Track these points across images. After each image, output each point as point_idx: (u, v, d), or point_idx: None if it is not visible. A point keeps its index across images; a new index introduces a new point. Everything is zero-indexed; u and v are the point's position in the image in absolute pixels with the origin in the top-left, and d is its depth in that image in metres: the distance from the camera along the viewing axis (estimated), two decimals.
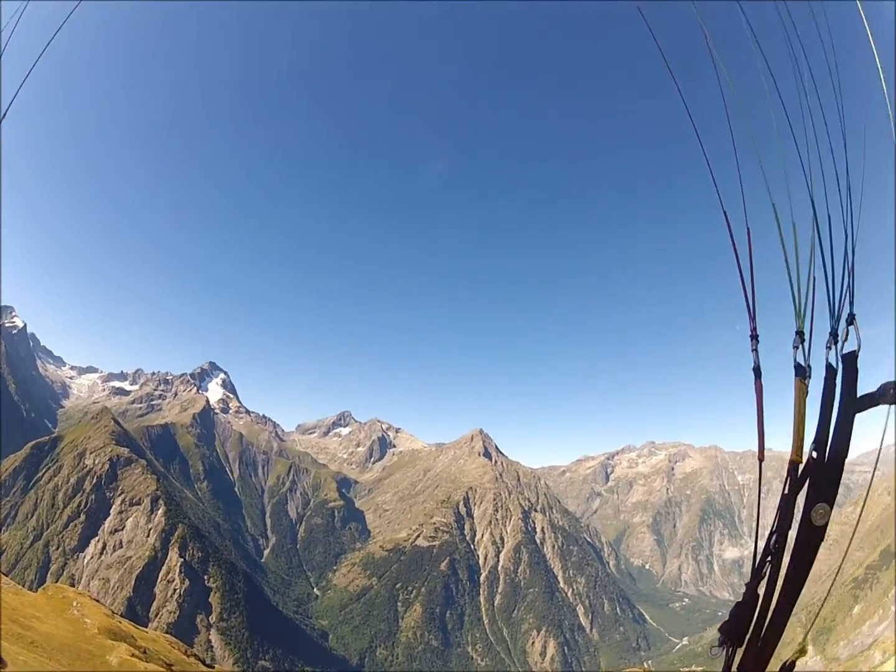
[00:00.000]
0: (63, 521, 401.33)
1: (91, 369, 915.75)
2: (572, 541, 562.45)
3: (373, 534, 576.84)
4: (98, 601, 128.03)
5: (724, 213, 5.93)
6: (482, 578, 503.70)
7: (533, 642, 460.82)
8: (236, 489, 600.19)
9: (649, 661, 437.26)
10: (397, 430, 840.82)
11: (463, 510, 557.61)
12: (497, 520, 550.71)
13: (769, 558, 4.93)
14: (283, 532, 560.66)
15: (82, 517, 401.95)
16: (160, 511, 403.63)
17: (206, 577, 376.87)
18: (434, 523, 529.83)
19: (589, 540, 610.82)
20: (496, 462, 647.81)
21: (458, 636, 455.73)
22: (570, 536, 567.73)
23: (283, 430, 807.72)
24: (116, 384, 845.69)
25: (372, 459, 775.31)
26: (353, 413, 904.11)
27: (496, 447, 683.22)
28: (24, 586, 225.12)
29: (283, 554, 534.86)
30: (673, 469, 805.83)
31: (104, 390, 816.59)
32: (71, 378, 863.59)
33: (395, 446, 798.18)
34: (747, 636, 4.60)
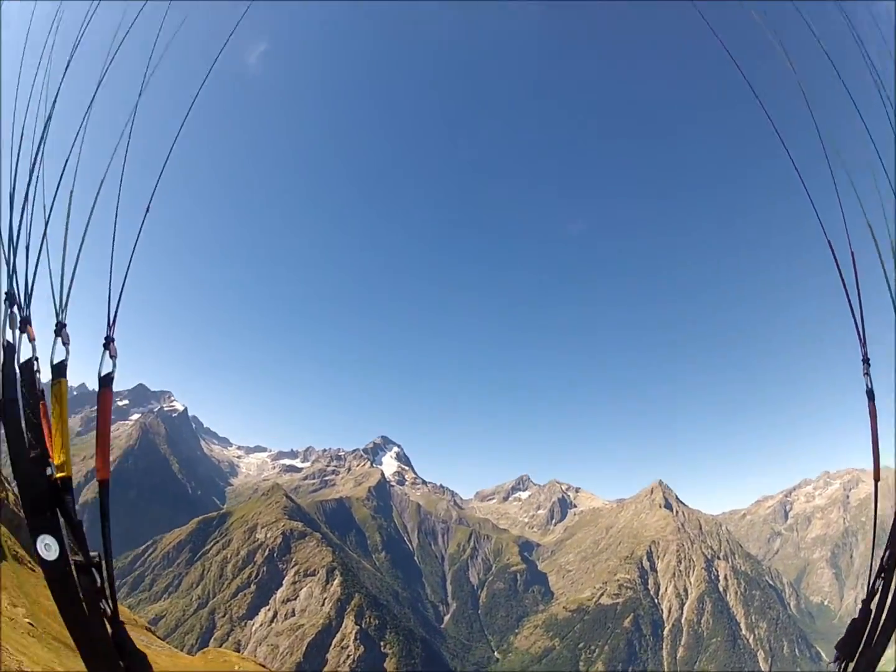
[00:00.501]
0: (231, 590, 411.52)
1: (259, 448, 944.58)
2: (755, 585, 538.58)
3: (556, 595, 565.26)
4: (263, 666, 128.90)
5: (829, 241, 5.74)
6: (665, 632, 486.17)
7: None
8: (416, 558, 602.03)
9: None
10: (577, 490, 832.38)
11: (646, 565, 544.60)
12: (680, 571, 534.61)
13: (882, 574, 5.02)
14: (464, 598, 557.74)
15: (252, 587, 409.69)
16: (336, 581, 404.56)
17: (382, 643, 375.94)
18: (618, 580, 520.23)
19: (770, 582, 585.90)
20: (677, 513, 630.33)
21: None
22: (752, 581, 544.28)
23: (461, 498, 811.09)
24: (287, 462, 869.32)
25: (553, 521, 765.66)
26: (532, 476, 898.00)
27: (676, 497, 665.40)
28: (182, 650, 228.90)
29: (464, 619, 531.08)
30: (848, 497, 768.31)
31: (274, 468, 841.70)
32: (238, 457, 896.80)
33: (575, 506, 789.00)
34: (858, 651, 4.45)
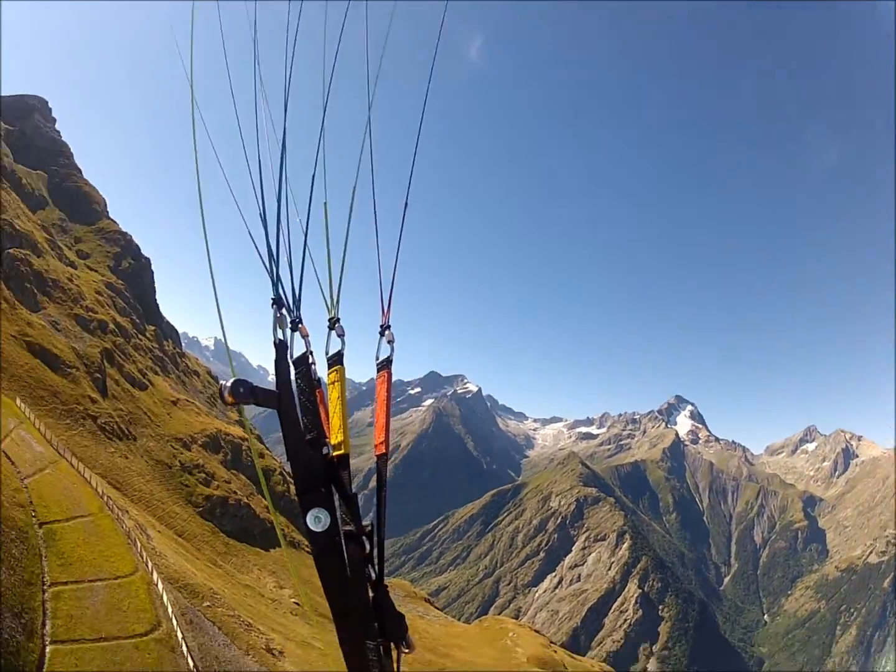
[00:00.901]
0: (520, 559, 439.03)
1: (555, 419, 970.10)
2: None
3: (830, 553, 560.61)
4: (538, 632, 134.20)
5: None
6: None
7: None
8: (704, 518, 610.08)
9: None
10: (860, 439, 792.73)
11: None
12: None
13: None
14: (745, 558, 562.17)
15: (541, 555, 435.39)
16: (625, 545, 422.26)
17: (660, 606, 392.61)
18: (887, 536, 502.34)
19: None
20: None
21: (875, 661, 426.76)
22: None
23: (752, 454, 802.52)
24: (583, 430, 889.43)
25: (836, 474, 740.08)
26: (819, 426, 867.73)
27: None
28: (460, 619, 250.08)
29: (743, 581, 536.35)
30: None
31: (570, 437, 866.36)
32: (534, 430, 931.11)
33: (857, 456, 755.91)
34: None
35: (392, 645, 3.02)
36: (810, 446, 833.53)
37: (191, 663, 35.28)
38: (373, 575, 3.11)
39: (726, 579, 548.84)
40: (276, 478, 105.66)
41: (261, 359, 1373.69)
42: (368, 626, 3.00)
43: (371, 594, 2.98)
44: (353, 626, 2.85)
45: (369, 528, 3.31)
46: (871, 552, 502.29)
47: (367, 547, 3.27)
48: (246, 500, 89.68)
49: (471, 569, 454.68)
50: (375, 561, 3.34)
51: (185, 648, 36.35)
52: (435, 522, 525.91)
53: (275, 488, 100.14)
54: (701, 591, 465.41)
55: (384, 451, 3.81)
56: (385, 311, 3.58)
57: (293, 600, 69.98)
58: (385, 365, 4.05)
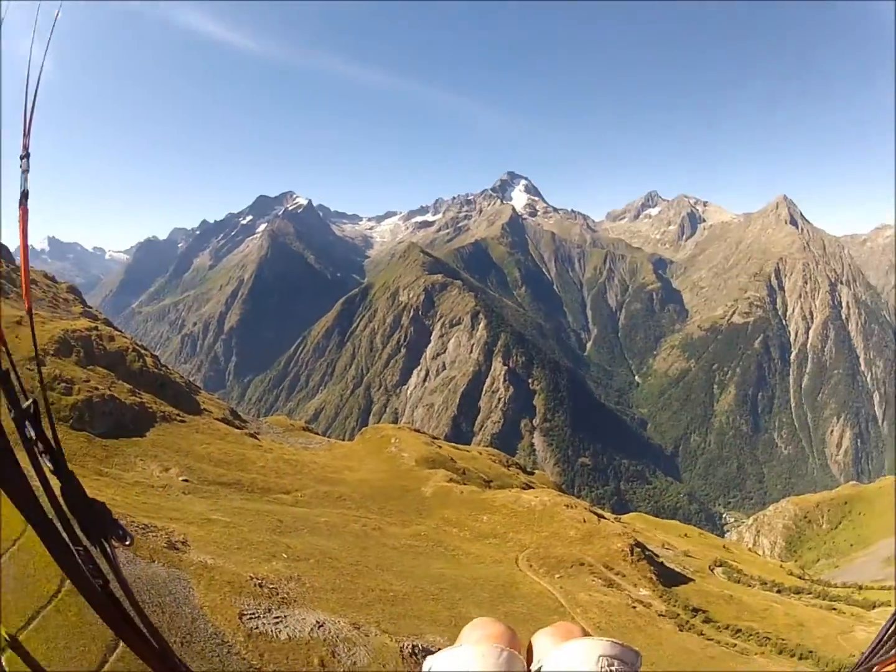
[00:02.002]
0: (383, 360, 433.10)
1: (389, 214, 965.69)
2: (873, 318, 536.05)
3: (690, 313, 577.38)
4: (418, 431, 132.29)
5: None
6: (792, 357, 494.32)
7: (832, 430, 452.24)
8: (555, 288, 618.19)
9: None
10: (705, 204, 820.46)
11: (774, 283, 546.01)
12: (806, 293, 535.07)
13: None
14: (603, 322, 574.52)
15: (402, 352, 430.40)
16: (481, 325, 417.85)
17: (530, 380, 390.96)
18: (748, 298, 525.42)
19: (888, 319, 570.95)
20: (802, 230, 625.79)
21: (767, 421, 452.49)
22: (871, 313, 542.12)
23: (593, 221, 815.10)
24: (419, 219, 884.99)
25: (684, 237, 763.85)
26: (660, 192, 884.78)
27: (801, 214, 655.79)
28: (344, 437, 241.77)
29: (605, 344, 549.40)
30: None
31: (407, 229, 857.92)
32: (371, 229, 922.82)
33: (704, 220, 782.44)
34: None
35: (105, 543, 2.77)
36: (653, 211, 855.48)
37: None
38: (49, 465, 2.56)
39: (588, 345, 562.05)
40: (130, 356, 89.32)
41: (97, 240, 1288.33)
42: (67, 531, 2.67)
43: (59, 489, 2.50)
44: (50, 537, 2.50)
45: (30, 406, 2.67)
46: (733, 313, 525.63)
47: (33, 433, 2.63)
48: (109, 392, 75.17)
49: (340, 383, 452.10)
50: (52, 446, 2.73)
51: None
52: (294, 346, 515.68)
53: (132, 366, 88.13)
54: (566, 360, 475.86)
55: (29, 305, 2.77)
56: (26, 132, 3.07)
57: (181, 479, 60.49)
58: (23, 200, 3.06)
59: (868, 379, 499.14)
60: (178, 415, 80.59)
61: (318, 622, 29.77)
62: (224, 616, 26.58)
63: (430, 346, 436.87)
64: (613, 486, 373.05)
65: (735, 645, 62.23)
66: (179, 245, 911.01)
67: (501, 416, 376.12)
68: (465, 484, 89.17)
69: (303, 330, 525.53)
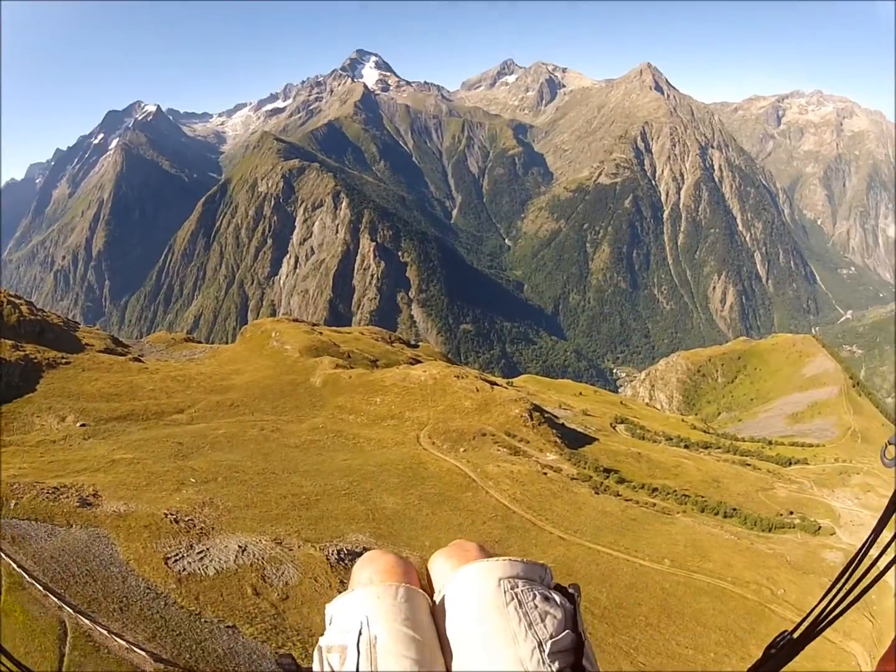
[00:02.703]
0: (251, 254, 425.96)
1: (240, 106, 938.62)
2: (749, 182, 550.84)
3: (555, 176, 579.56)
4: (297, 320, 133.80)
5: None
6: (665, 216, 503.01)
7: (714, 287, 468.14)
8: (414, 159, 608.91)
9: (817, 328, 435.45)
10: (564, 70, 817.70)
11: (641, 145, 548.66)
12: (675, 155, 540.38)
13: None
14: (467, 189, 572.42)
15: (269, 242, 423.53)
16: (343, 204, 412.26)
17: (400, 253, 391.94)
18: (614, 160, 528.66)
19: (764, 183, 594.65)
20: (668, 96, 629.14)
21: (645, 277, 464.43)
22: (746, 177, 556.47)
23: (448, 91, 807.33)
24: (269, 107, 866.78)
25: (543, 102, 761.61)
26: (516, 60, 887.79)
27: (667, 81, 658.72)
28: (227, 339, 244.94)
29: (471, 211, 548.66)
30: (842, 125, 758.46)
31: (258, 118, 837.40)
32: (222, 124, 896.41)
33: (563, 86, 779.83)
34: None
35: None
36: (510, 79, 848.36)
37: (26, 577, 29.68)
38: None
39: (454, 212, 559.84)
40: (6, 309, 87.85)
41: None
42: None
43: None
44: None
45: None
46: (600, 174, 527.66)
47: None
48: None
49: (213, 285, 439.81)
50: None
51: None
52: (163, 257, 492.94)
53: (9, 320, 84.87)
54: (434, 230, 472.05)
55: None
56: None
57: (79, 424, 62.15)
58: None
59: (747, 239, 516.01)
60: (62, 358, 79.62)
61: (240, 547, 34.03)
62: (151, 565, 31.09)
63: (295, 232, 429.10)
64: (499, 350, 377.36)
65: (654, 504, 63.47)
66: (37, 181, 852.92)
67: (377, 292, 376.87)
68: (352, 368, 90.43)
69: (169, 239, 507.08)
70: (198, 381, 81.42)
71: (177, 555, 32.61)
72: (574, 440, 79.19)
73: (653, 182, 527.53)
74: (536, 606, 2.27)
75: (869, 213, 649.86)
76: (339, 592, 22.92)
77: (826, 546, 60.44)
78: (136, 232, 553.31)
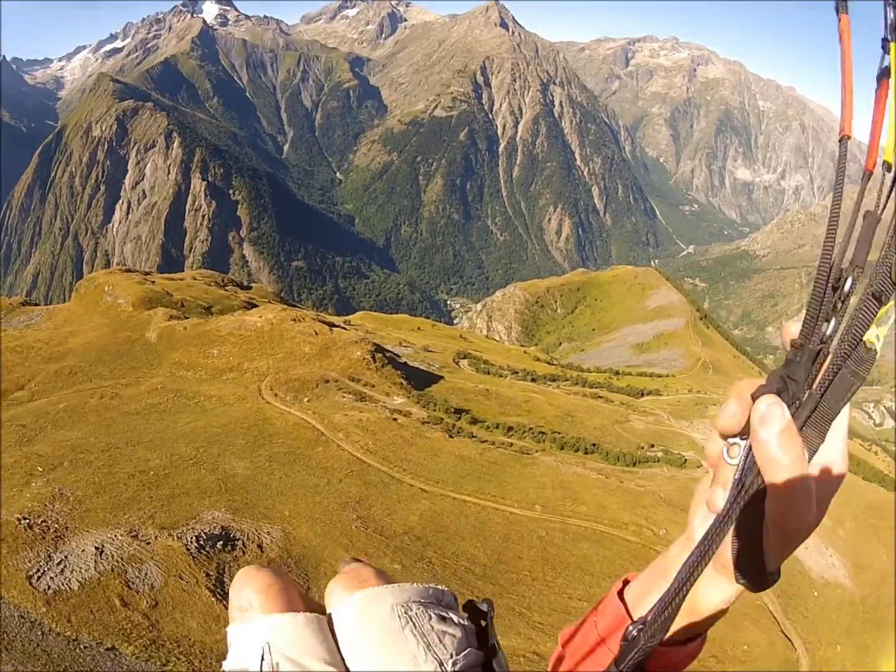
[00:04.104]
0: (85, 203, 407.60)
1: (80, 49, 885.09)
2: (590, 119, 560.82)
3: (390, 109, 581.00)
4: (130, 270, 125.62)
5: None
6: (501, 149, 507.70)
7: (549, 219, 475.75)
8: (247, 94, 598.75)
9: (656, 260, 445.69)
10: (407, 5, 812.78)
11: (480, 80, 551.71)
12: (515, 90, 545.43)
13: None
14: (299, 123, 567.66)
15: (102, 189, 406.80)
16: (175, 143, 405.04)
17: (231, 191, 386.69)
18: (451, 93, 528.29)
19: (606, 121, 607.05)
20: (514, 33, 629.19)
21: (479, 209, 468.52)
22: (588, 114, 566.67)
23: (287, 25, 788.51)
24: (108, 48, 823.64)
25: (383, 36, 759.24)
26: None
27: (513, 18, 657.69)
28: (64, 297, 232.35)
29: (303, 145, 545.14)
30: (695, 71, 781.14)
31: (97, 60, 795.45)
32: (62, 69, 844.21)
33: (405, 20, 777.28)
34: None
35: None
36: (351, 12, 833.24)
37: None
38: None
39: (286, 147, 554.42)
40: None
41: None
42: None
43: None
44: None
45: None
46: (435, 107, 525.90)
47: None
48: None
49: (49, 240, 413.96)
50: None
51: None
52: (1, 214, 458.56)
53: None
54: (265, 165, 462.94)
55: None
56: None
57: (62, 406, 56.34)
58: None
59: (585, 173, 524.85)
60: None
61: (97, 548, 32.58)
62: (17, 588, 29.04)
63: (128, 176, 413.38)
64: (332, 285, 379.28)
65: (511, 445, 61.92)
66: None
67: (208, 233, 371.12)
68: (186, 318, 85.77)
69: (7, 196, 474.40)
70: (35, 350, 75.69)
71: (38, 570, 30.31)
72: (420, 380, 78.19)
73: (490, 115, 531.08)
74: (433, 628, 2.09)
75: (716, 154, 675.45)
76: (207, 588, 28.65)
77: (695, 479, 61.40)
78: None
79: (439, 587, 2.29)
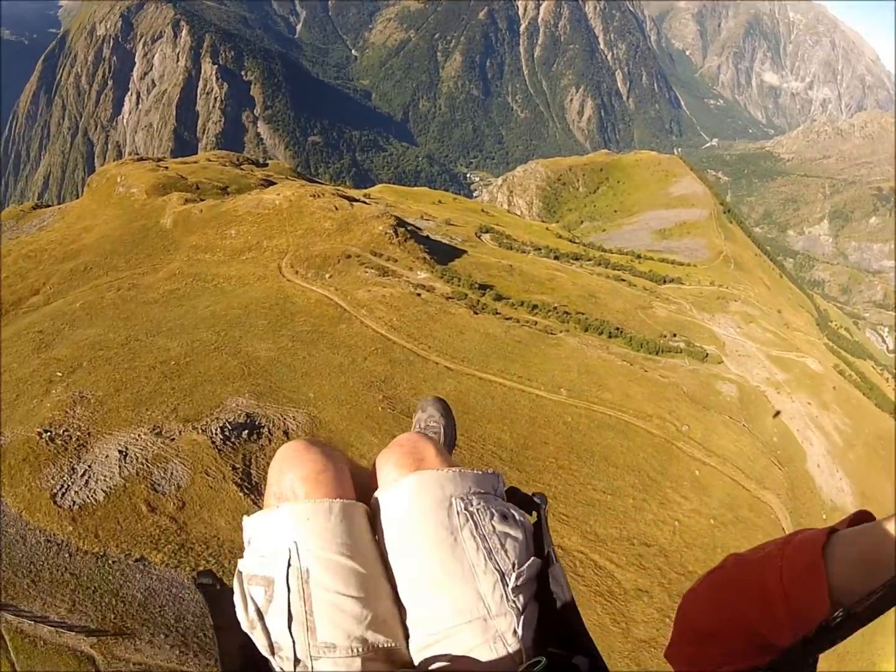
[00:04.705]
0: (93, 100, 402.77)
1: None
2: (614, 5, 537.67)
3: None
4: (142, 158, 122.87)
5: None
6: (521, 29, 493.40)
7: (571, 99, 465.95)
8: None
9: (679, 149, 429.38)
10: None
11: None
12: None
13: None
14: (312, 4, 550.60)
15: (110, 84, 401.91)
16: (184, 31, 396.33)
17: (243, 73, 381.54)
18: None
19: (631, 9, 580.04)
20: None
21: (498, 86, 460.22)
22: (612, 1, 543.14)
23: None
24: None
25: None
26: None
27: None
28: (77, 194, 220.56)
29: (317, 24, 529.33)
30: None
31: None
32: None
33: None
34: None
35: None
36: None
37: None
38: None
39: (298, 27, 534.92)
40: None
41: None
42: None
43: None
44: None
45: None
46: None
47: None
48: None
49: (58, 140, 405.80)
50: None
51: None
52: (8, 125, 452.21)
53: None
54: (277, 46, 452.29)
55: None
56: None
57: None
58: None
59: (609, 58, 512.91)
60: None
61: (121, 451, 32.51)
62: (42, 511, 29.42)
63: (135, 68, 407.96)
64: (350, 159, 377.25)
65: (536, 323, 61.20)
66: None
67: (221, 115, 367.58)
68: (201, 200, 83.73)
69: (13, 107, 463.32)
70: (49, 252, 75.03)
71: (62, 486, 30.39)
72: (443, 255, 76.45)
73: None
74: (494, 528, 1.94)
75: (744, 55, 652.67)
76: (234, 483, 27.67)
77: (717, 377, 60.09)
78: None
79: (490, 471, 2.13)
